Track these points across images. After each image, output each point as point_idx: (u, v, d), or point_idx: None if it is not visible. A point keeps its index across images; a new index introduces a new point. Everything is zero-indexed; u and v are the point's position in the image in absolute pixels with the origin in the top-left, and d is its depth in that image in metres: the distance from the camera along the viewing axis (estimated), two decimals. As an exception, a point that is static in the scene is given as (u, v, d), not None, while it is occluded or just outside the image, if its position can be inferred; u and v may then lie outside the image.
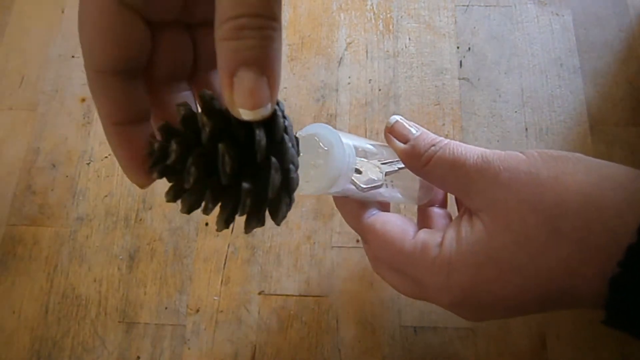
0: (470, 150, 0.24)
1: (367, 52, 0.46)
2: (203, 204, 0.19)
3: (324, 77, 0.45)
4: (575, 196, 0.21)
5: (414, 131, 0.27)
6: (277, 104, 0.19)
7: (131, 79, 0.20)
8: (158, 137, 0.20)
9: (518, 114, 0.43)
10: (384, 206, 0.30)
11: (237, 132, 0.19)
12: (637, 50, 0.44)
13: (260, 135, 0.18)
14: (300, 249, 0.40)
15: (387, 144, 0.28)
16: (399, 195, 0.31)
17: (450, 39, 0.46)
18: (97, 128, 0.45)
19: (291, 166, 0.19)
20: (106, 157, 0.44)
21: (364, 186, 0.25)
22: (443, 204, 0.31)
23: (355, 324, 0.37)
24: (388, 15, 0.47)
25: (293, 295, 0.38)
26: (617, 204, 0.20)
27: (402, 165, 0.28)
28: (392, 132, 0.27)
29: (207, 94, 0.19)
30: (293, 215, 0.40)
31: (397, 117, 0.28)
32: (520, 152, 0.24)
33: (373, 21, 0.47)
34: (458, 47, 0.46)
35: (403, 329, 0.37)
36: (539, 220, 0.21)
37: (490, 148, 0.25)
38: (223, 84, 0.17)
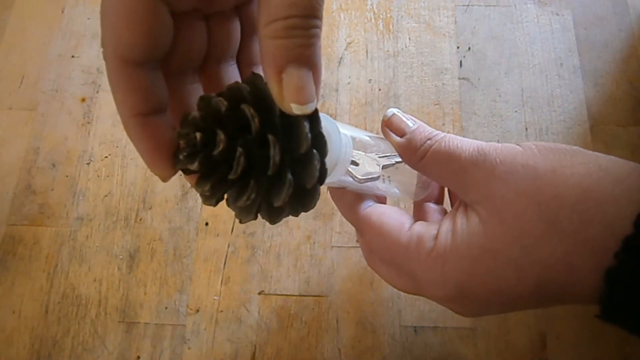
0: (466, 143, 0.24)
1: (367, 52, 0.46)
2: (245, 195, 0.19)
3: (324, 77, 0.45)
4: (572, 189, 0.21)
5: (410, 124, 0.26)
6: None
7: (153, 69, 0.20)
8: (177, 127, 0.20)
9: (518, 113, 0.43)
10: (381, 200, 0.30)
11: (279, 125, 0.19)
12: (637, 50, 0.44)
13: (307, 127, 0.19)
14: (300, 249, 0.40)
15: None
16: (396, 190, 0.31)
17: (450, 39, 0.46)
18: (97, 128, 0.45)
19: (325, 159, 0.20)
20: (106, 157, 0.44)
21: (361, 177, 0.25)
22: (439, 201, 0.31)
23: (355, 324, 0.37)
24: (388, 15, 0.47)
25: (293, 295, 0.38)
26: (615, 197, 0.20)
27: (400, 159, 0.28)
28: (389, 125, 0.27)
29: (259, 82, 0.19)
30: (293, 215, 0.41)
31: (394, 110, 0.27)
32: (518, 145, 0.23)
33: (373, 21, 0.47)
34: (458, 47, 0.46)
35: (403, 328, 0.37)
36: (536, 213, 0.21)
37: (490, 147, 0.25)
38: (271, 80, 0.18)
